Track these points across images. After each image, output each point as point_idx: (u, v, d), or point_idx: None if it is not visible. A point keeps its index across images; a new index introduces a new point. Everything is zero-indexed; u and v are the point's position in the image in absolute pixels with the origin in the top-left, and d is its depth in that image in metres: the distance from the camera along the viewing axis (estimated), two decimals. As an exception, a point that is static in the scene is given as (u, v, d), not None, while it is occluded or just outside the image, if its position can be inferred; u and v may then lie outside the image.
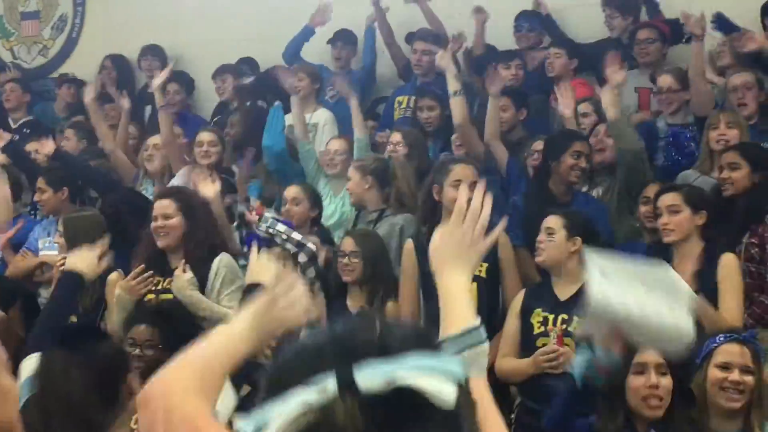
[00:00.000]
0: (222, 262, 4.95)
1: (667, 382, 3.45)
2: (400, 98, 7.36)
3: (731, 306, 4.50)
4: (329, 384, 1.19)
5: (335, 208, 6.26)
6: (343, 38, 7.92)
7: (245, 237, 5.61)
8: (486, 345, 1.37)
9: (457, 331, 1.73)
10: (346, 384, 1.18)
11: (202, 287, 4.88)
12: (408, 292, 5.04)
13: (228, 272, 4.94)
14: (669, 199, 4.72)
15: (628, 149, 5.54)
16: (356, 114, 6.63)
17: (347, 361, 1.20)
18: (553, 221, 4.69)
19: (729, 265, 4.60)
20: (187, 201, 5.05)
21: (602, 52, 6.50)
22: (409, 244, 5.12)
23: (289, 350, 1.30)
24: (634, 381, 3.40)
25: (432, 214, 5.07)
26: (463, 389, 1.22)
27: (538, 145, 5.87)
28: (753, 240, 4.91)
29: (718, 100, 6.24)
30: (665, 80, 6.20)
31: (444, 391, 1.18)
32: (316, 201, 5.82)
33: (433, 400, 1.17)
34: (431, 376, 1.18)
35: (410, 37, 7.62)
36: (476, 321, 1.74)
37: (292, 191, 5.79)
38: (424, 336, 1.28)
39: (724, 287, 4.55)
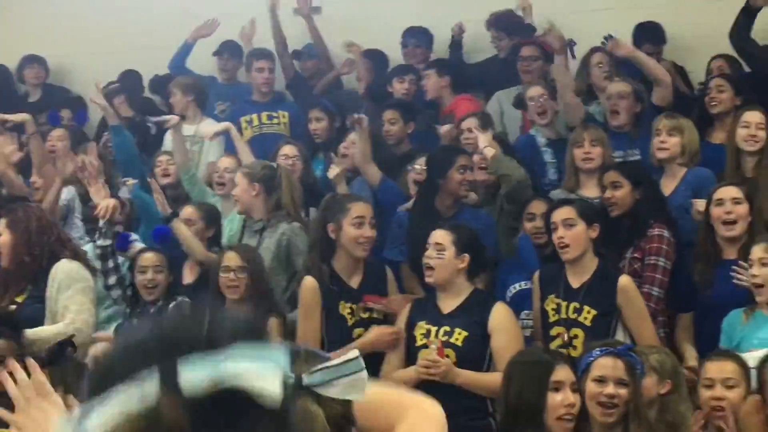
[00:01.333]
0: (58, 268, 4.91)
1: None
2: (246, 117, 7.26)
3: (646, 334, 4.56)
4: (152, 381, 1.13)
5: (226, 229, 6.17)
6: (228, 50, 7.88)
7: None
8: (364, 374, 1.37)
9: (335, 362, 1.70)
10: (170, 381, 1.12)
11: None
12: (311, 329, 4.87)
13: (64, 278, 4.88)
14: (564, 213, 4.75)
15: (514, 183, 5.56)
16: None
17: (171, 357, 1.13)
18: (441, 236, 4.69)
19: (628, 289, 4.65)
20: (13, 215, 5.00)
21: (488, 70, 6.60)
22: (309, 281, 4.94)
23: (115, 345, 1.25)
24: (552, 399, 3.34)
25: (329, 253, 4.97)
26: (292, 387, 1.19)
27: (421, 162, 5.87)
28: (636, 255, 5.02)
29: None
30: (535, 90, 6.30)
31: (269, 389, 1.14)
32: (211, 220, 5.77)
33: (258, 398, 1.13)
34: (257, 372, 1.14)
35: (297, 55, 7.66)
36: (355, 353, 1.73)
37: (186, 212, 5.76)
38: (254, 326, 1.22)
39: (630, 315, 4.60)
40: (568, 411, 3.28)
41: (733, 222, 4.86)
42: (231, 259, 5.09)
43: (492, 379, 4.50)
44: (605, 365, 3.66)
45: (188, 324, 1.20)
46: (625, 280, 4.65)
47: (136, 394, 1.13)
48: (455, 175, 5.52)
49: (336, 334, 4.84)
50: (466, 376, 4.52)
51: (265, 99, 7.33)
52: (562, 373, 3.32)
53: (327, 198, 5.38)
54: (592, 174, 5.56)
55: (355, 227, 4.87)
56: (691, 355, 4.76)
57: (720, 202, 4.90)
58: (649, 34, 6.95)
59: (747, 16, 6.58)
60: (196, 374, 1.13)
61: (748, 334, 4.37)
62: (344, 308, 4.88)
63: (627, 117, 6.06)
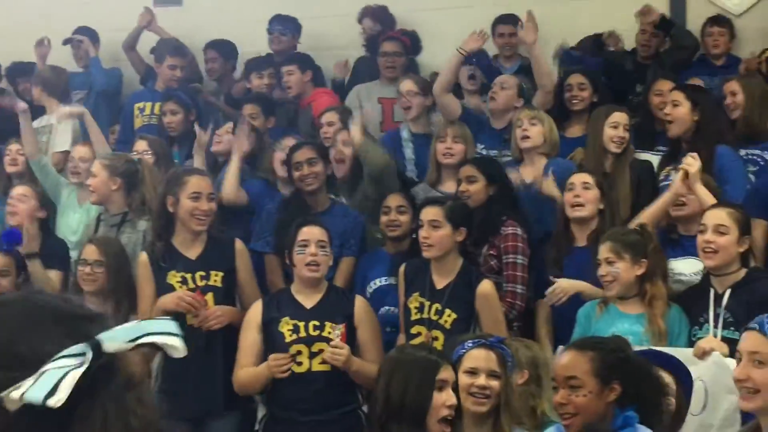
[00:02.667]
0: None
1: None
2: (140, 104, 7.22)
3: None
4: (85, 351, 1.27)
5: (79, 219, 6.01)
6: (82, 34, 7.74)
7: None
8: (178, 342, 1.40)
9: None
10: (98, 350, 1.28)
11: None
12: (144, 306, 4.90)
13: None
14: (431, 213, 4.76)
15: (377, 165, 5.60)
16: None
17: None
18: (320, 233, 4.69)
19: (487, 296, 4.68)
20: None
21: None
22: (142, 256, 4.98)
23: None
24: (436, 399, 3.28)
25: (167, 227, 4.97)
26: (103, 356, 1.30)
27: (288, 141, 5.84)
28: (491, 252, 5.09)
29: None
30: (406, 84, 6.33)
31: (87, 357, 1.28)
32: (44, 202, 5.75)
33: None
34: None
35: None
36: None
37: (18, 191, 5.78)
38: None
39: (486, 320, 4.64)
40: (450, 412, 3.24)
41: (581, 205, 4.98)
42: (89, 252, 5.02)
43: (372, 368, 4.54)
44: (477, 357, 3.68)
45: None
46: (485, 286, 4.69)
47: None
48: (294, 174, 5.55)
49: None
50: (359, 364, 4.57)
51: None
52: (446, 372, 3.28)
53: (170, 172, 5.36)
54: (453, 170, 5.61)
55: (192, 200, 4.88)
56: (546, 348, 4.85)
57: (571, 187, 5.03)
58: (508, 19, 7.07)
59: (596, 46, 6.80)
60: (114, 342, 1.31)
61: (602, 327, 4.45)
62: (174, 278, 4.88)
63: (502, 106, 6.12)
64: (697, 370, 4.01)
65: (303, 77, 6.96)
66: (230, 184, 5.79)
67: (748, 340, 3.16)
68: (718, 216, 4.49)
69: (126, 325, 1.35)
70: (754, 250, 4.70)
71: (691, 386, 3.57)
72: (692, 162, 4.78)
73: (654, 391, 3.43)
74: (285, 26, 7.50)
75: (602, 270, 4.50)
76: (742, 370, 3.12)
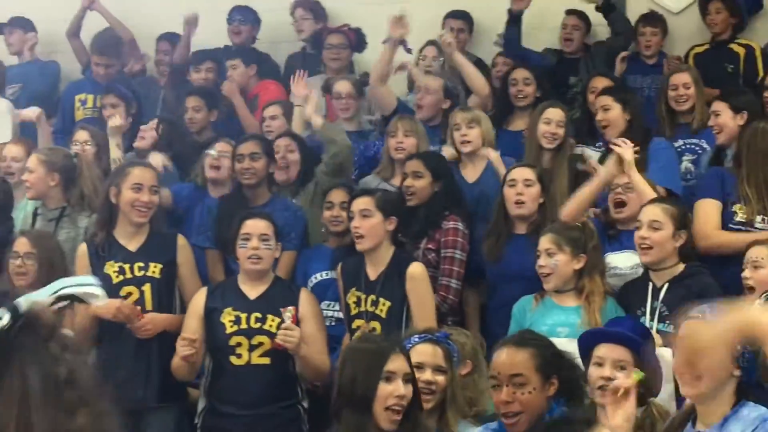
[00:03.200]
0: None
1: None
2: (81, 96, 7.17)
3: (424, 319, 4.60)
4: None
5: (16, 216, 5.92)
6: (15, 24, 7.67)
7: None
8: (97, 290, 1.46)
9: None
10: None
11: None
12: None
13: None
14: (362, 203, 4.78)
15: (342, 147, 5.64)
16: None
17: None
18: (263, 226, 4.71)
19: (416, 276, 4.71)
20: None
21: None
22: (81, 247, 5.00)
23: None
24: (382, 389, 3.27)
25: (110, 218, 4.96)
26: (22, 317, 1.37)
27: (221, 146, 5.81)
28: (430, 246, 5.11)
29: None
30: (344, 86, 6.35)
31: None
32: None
33: None
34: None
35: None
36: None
37: None
38: None
39: (414, 301, 4.67)
40: (398, 402, 3.23)
41: (523, 202, 5.03)
42: (20, 244, 4.97)
43: (319, 359, 4.64)
44: (424, 352, 3.68)
45: None
46: (414, 268, 4.71)
47: None
48: (236, 166, 5.53)
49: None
50: (306, 350, 4.57)
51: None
52: (397, 363, 3.26)
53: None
54: (404, 165, 5.59)
55: (133, 191, 4.88)
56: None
57: (512, 183, 5.06)
58: (459, 14, 7.14)
59: (514, 23, 6.86)
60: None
61: (537, 320, 4.49)
62: (111, 267, 4.87)
63: (430, 112, 6.16)
64: None
65: (248, 71, 6.95)
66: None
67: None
68: (653, 212, 4.56)
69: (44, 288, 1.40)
70: (706, 226, 4.80)
71: (644, 345, 3.61)
72: (624, 147, 4.83)
73: (578, 382, 3.50)
74: (245, 17, 7.48)
75: (542, 261, 4.55)
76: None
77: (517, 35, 6.94)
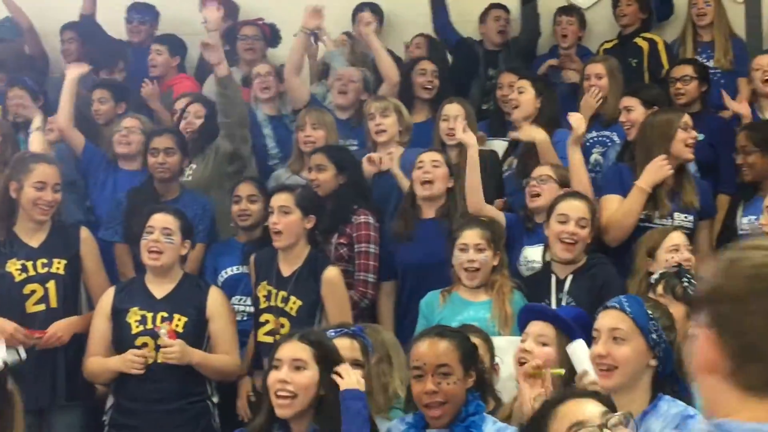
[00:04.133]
0: None
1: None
2: None
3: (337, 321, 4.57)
4: None
5: None
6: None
7: None
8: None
9: None
10: None
11: None
12: None
13: None
14: (281, 199, 4.73)
15: (236, 117, 5.65)
16: None
17: None
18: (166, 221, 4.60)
19: (333, 281, 4.69)
20: None
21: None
22: None
23: None
24: (271, 377, 3.32)
25: (9, 214, 4.84)
26: None
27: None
28: (341, 240, 5.10)
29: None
30: (263, 67, 6.33)
31: None
32: None
33: None
34: None
35: None
36: None
37: None
38: None
39: (330, 306, 4.65)
40: (282, 387, 3.25)
41: (431, 182, 5.05)
42: None
43: (222, 360, 4.62)
44: (341, 346, 3.65)
45: None
46: (330, 273, 4.69)
47: None
48: (149, 159, 5.48)
49: (3, 290, 4.75)
50: (200, 356, 4.55)
51: None
52: (285, 350, 3.33)
53: (16, 155, 5.23)
54: None
55: (36, 190, 4.79)
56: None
57: (420, 165, 5.08)
58: (370, 6, 7.15)
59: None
60: None
61: (448, 315, 4.51)
62: (13, 266, 4.77)
63: (352, 99, 6.16)
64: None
65: (171, 61, 6.87)
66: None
67: (608, 318, 3.23)
68: (581, 209, 4.61)
69: None
70: (616, 214, 4.88)
71: (573, 328, 3.63)
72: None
73: (485, 376, 3.55)
74: (144, 14, 7.39)
75: (472, 256, 4.55)
76: (602, 346, 3.19)
77: (446, 17, 6.93)
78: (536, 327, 3.64)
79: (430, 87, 6.26)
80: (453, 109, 5.59)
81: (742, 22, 7.22)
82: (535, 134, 5.19)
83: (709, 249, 4.98)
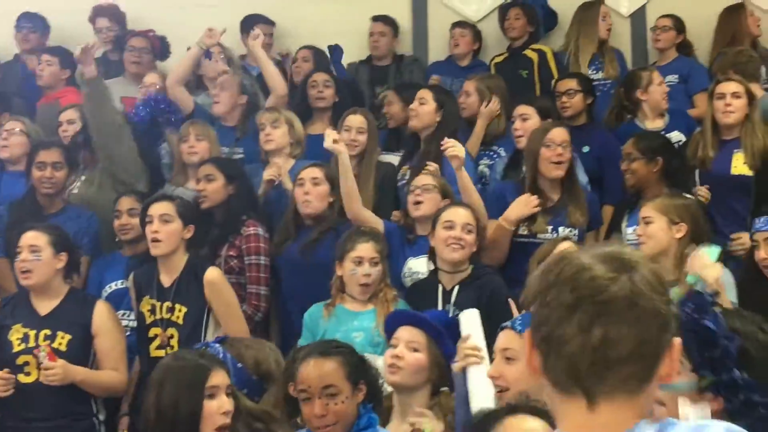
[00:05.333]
0: None
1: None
2: None
3: (234, 326, 4.56)
4: None
5: None
6: None
7: None
8: None
9: None
10: None
11: None
12: None
13: None
14: (161, 208, 4.71)
15: (105, 128, 5.58)
16: None
17: None
18: (35, 237, 4.53)
19: (215, 282, 4.67)
20: None
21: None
22: None
23: None
24: (208, 406, 3.19)
25: None
26: None
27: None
28: (231, 252, 5.07)
29: None
30: (151, 77, 6.25)
31: None
32: None
33: None
34: None
35: None
36: None
37: None
38: None
39: (218, 307, 4.62)
40: (225, 420, 3.15)
41: (310, 201, 5.06)
42: None
43: (108, 377, 4.54)
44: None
45: None
46: (211, 273, 4.67)
47: None
48: (35, 173, 5.40)
49: None
50: (84, 374, 4.47)
51: None
52: (218, 377, 3.16)
53: None
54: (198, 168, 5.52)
55: None
56: None
57: (301, 182, 5.10)
58: (259, 19, 7.15)
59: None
60: None
61: (333, 327, 4.51)
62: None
63: (226, 107, 6.11)
64: None
65: (60, 73, 6.76)
66: None
67: (501, 338, 3.24)
68: (466, 215, 4.65)
69: None
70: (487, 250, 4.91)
71: (443, 334, 3.65)
72: (452, 143, 4.91)
73: (377, 384, 3.49)
74: (34, 23, 7.27)
75: (367, 270, 4.55)
76: (495, 367, 3.21)
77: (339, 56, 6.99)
78: (406, 332, 3.65)
79: (322, 97, 6.26)
80: (355, 120, 5.59)
81: (628, 37, 7.39)
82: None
83: None
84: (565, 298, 1.60)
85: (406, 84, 6.52)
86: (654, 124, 6.01)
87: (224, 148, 5.91)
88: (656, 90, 6.04)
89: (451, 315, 4.44)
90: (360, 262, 4.57)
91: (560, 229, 4.99)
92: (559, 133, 5.10)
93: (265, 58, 6.30)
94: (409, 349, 3.59)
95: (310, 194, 5.07)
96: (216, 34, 6.13)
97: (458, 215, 4.64)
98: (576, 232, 4.99)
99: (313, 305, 4.67)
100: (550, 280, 1.63)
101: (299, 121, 5.80)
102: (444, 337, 3.59)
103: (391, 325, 3.78)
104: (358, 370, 3.39)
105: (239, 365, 3.46)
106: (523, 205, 4.96)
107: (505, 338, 3.23)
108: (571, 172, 5.15)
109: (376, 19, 7.27)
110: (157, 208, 4.71)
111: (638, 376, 1.59)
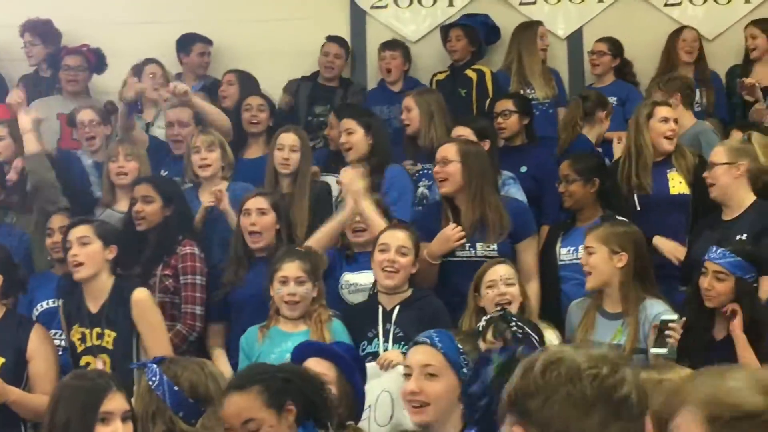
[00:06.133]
0: None
1: None
2: None
3: (158, 347, 4.46)
4: None
5: None
6: None
7: None
8: None
9: None
10: None
11: None
12: None
13: None
14: (80, 231, 4.64)
15: (43, 181, 5.47)
16: None
17: None
18: None
19: (140, 301, 4.58)
20: None
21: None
22: None
23: None
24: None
25: None
26: None
27: None
28: (166, 272, 5.01)
29: None
30: (86, 114, 6.12)
31: None
32: None
33: None
34: None
35: None
36: None
37: None
38: None
39: (143, 328, 4.54)
40: None
41: (259, 233, 5.02)
42: None
43: (41, 400, 4.36)
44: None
45: None
46: (138, 294, 4.59)
47: None
48: None
49: None
50: (18, 395, 4.37)
51: None
52: (114, 402, 3.03)
53: None
54: (128, 189, 5.47)
55: None
56: (223, 362, 4.86)
57: (247, 212, 5.05)
58: (195, 38, 7.13)
59: None
60: None
61: (267, 349, 4.48)
62: None
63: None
64: (382, 382, 4.13)
65: None
66: None
67: (419, 354, 3.22)
68: (401, 237, 4.66)
69: None
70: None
71: (352, 367, 3.62)
72: (349, 175, 4.86)
73: (318, 391, 3.38)
74: None
75: (292, 289, 4.52)
76: (414, 383, 3.17)
77: None
78: (315, 365, 3.60)
79: (257, 122, 6.22)
80: (288, 139, 5.56)
81: (564, 58, 7.46)
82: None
83: (534, 267, 5.06)
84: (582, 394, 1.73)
85: (346, 107, 6.48)
86: None
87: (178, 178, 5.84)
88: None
89: (392, 334, 4.46)
90: (285, 281, 4.56)
91: (478, 245, 4.98)
92: None
93: (201, 103, 6.24)
94: None
95: (257, 225, 5.03)
96: (133, 86, 6.09)
97: (393, 238, 4.64)
98: (495, 247, 4.98)
99: (249, 328, 4.64)
100: (547, 381, 1.75)
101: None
102: (353, 369, 3.56)
103: (299, 356, 3.70)
104: (281, 392, 3.24)
105: (176, 388, 3.37)
106: (445, 240, 4.94)
107: (424, 354, 3.21)
108: (481, 189, 5.10)
109: (331, 39, 7.24)
110: (75, 232, 4.63)
111: None
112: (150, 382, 3.31)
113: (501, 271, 4.60)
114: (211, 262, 5.17)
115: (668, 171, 5.44)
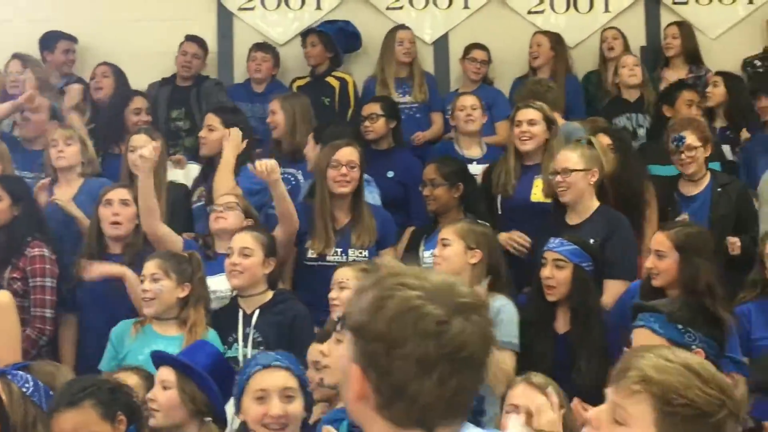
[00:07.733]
0: None
1: None
2: None
3: (9, 351, 4.30)
4: None
5: None
6: None
7: None
8: None
9: None
10: None
11: None
12: None
13: None
14: None
15: None
16: None
17: None
18: None
19: (2, 306, 4.45)
20: None
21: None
22: None
23: None
24: None
25: None
26: None
27: None
28: (15, 275, 4.90)
29: None
30: None
31: None
32: None
33: None
34: None
35: None
36: None
37: None
38: None
39: None
40: None
41: (120, 223, 4.95)
42: None
43: None
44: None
45: None
46: (1, 294, 4.51)
47: None
48: None
49: None
50: None
51: None
52: None
53: None
54: None
55: None
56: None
57: (108, 202, 4.99)
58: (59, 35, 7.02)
59: None
60: None
61: (137, 348, 4.40)
62: None
63: (36, 131, 5.99)
64: None
65: None
66: None
67: (278, 378, 3.34)
68: (244, 239, 4.65)
69: None
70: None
71: (205, 379, 3.60)
72: (270, 165, 4.87)
73: (131, 397, 3.36)
74: None
75: (146, 285, 4.46)
76: (278, 407, 3.29)
77: None
78: (162, 372, 3.62)
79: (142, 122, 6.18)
80: (140, 140, 5.45)
81: (431, 62, 7.55)
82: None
83: None
84: (425, 353, 1.63)
85: (223, 107, 6.35)
86: (471, 152, 6.12)
87: (25, 171, 5.73)
88: (459, 115, 6.19)
89: (251, 338, 4.44)
90: (142, 279, 4.51)
91: (350, 251, 5.01)
92: (345, 153, 5.14)
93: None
94: (162, 388, 3.55)
95: (120, 215, 4.97)
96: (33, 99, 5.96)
97: (236, 240, 4.66)
98: (365, 253, 5.00)
99: (122, 321, 4.55)
100: (401, 332, 1.64)
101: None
102: (207, 381, 3.54)
103: (156, 365, 3.72)
104: (112, 403, 3.21)
105: (51, 393, 3.27)
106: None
107: (281, 378, 3.33)
108: (359, 193, 5.17)
109: (190, 39, 7.13)
110: None
111: (469, 406, 1.72)
112: (24, 389, 3.24)
113: (338, 275, 4.49)
114: (63, 263, 5.04)
115: (536, 177, 5.42)
